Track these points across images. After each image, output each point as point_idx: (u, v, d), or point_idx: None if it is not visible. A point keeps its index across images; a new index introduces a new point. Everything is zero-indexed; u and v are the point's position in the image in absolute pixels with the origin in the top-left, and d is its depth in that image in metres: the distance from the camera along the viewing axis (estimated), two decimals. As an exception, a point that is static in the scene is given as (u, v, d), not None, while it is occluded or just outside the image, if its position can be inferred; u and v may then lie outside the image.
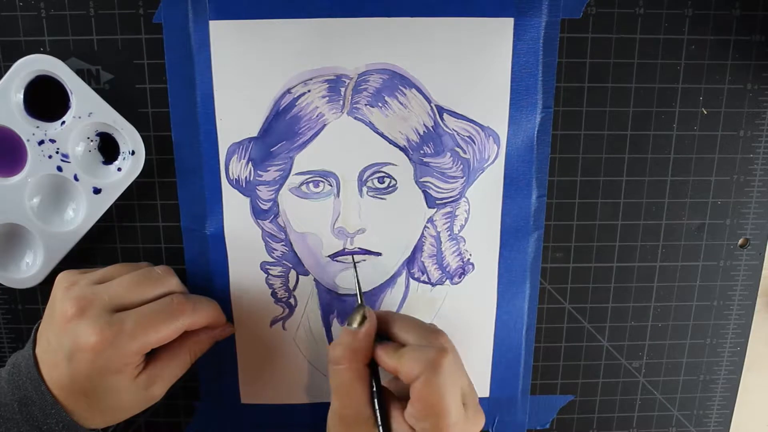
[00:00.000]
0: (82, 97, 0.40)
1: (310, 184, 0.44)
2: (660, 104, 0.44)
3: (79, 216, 0.42)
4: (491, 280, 0.46)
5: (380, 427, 0.37)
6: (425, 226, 0.45)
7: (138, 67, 0.42)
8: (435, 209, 0.44)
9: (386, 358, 0.38)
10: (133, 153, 0.41)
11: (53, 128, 0.41)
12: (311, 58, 0.41)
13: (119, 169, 0.42)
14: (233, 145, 0.43)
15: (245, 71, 0.41)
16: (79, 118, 0.40)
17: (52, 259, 0.43)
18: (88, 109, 0.40)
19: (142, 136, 0.41)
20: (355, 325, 0.39)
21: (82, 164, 0.41)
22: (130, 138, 0.41)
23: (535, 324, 0.47)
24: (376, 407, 0.38)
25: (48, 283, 0.43)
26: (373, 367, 0.39)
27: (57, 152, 0.41)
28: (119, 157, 0.42)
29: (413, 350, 0.37)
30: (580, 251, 0.46)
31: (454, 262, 0.46)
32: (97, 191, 0.42)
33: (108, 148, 0.43)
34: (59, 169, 0.41)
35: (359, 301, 0.42)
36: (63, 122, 0.41)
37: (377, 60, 0.42)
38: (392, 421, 0.37)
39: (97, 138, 0.42)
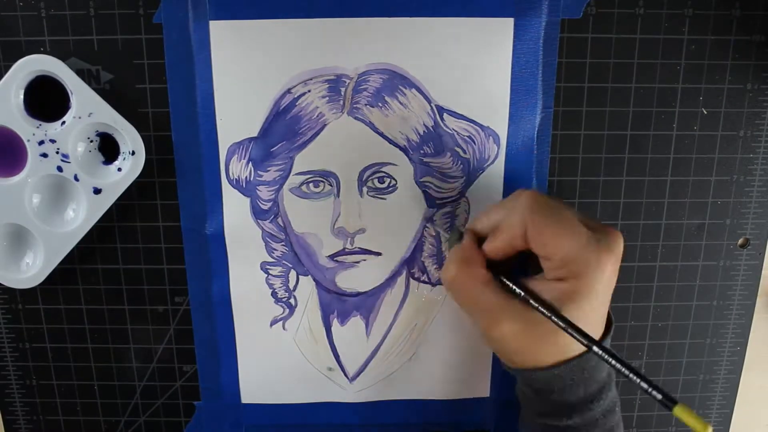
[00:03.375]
0: (83, 97, 0.40)
1: (310, 184, 0.44)
2: (660, 104, 0.44)
3: (79, 216, 0.42)
4: (491, 280, 0.46)
5: (539, 306, 0.35)
6: (425, 226, 0.45)
7: (138, 67, 0.42)
8: (435, 209, 0.44)
9: (493, 241, 0.37)
10: (133, 153, 0.41)
11: (53, 128, 0.41)
12: (311, 58, 0.41)
13: (119, 170, 0.42)
14: (233, 145, 0.43)
15: (245, 71, 0.41)
16: (80, 118, 0.40)
17: (52, 259, 0.43)
18: (88, 109, 0.40)
19: (142, 136, 0.41)
20: (455, 243, 0.38)
21: (82, 164, 0.41)
22: (130, 138, 0.41)
23: (535, 324, 0.47)
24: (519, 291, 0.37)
25: (48, 283, 0.43)
26: (492, 267, 0.38)
27: (57, 152, 0.41)
28: (119, 157, 0.42)
29: (508, 214, 0.37)
30: (580, 251, 0.46)
31: (454, 262, 0.46)
32: (97, 191, 0.42)
33: (108, 148, 0.43)
34: (59, 169, 0.41)
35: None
36: (63, 122, 0.41)
37: (377, 60, 0.42)
38: (541, 292, 0.36)
39: (98, 138, 0.42)
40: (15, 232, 0.43)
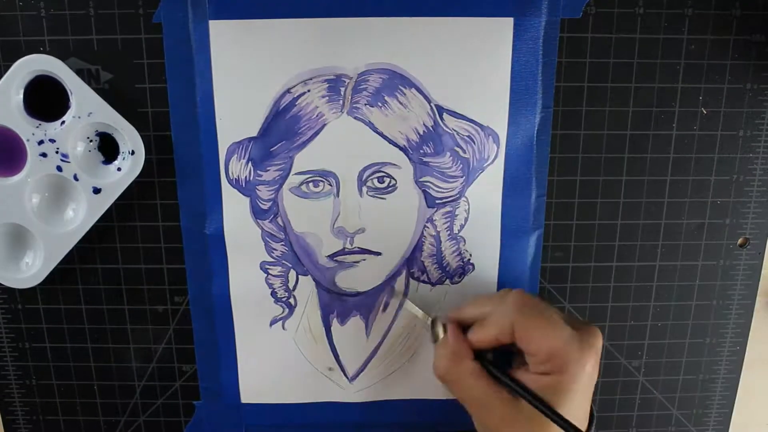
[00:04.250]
0: (82, 97, 0.40)
1: (310, 184, 0.44)
2: (660, 104, 0.44)
3: (79, 216, 0.42)
4: (491, 280, 0.46)
5: (528, 396, 0.37)
6: (425, 226, 0.45)
7: (138, 66, 0.42)
8: (435, 209, 0.44)
9: (480, 333, 0.40)
10: (132, 153, 0.41)
11: (53, 128, 0.41)
12: (311, 58, 0.41)
13: (119, 169, 0.42)
14: (233, 144, 0.43)
15: (245, 71, 0.41)
16: (79, 118, 0.40)
17: (52, 259, 0.43)
18: (87, 108, 0.40)
19: (141, 135, 0.41)
20: (441, 335, 0.41)
21: (81, 164, 0.41)
22: (129, 138, 0.41)
23: (534, 323, 0.47)
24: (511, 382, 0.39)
25: (48, 283, 0.43)
26: (479, 358, 0.40)
27: (57, 152, 0.41)
28: (119, 157, 0.42)
29: (495, 310, 0.39)
30: (579, 251, 0.46)
31: (453, 262, 0.46)
32: (96, 191, 0.42)
33: (108, 147, 0.43)
34: (59, 169, 0.41)
35: (428, 318, 0.44)
36: (63, 122, 0.41)
37: (377, 60, 0.42)
38: (527, 383, 0.38)
39: (97, 138, 0.42)
40: (15, 232, 0.43)
